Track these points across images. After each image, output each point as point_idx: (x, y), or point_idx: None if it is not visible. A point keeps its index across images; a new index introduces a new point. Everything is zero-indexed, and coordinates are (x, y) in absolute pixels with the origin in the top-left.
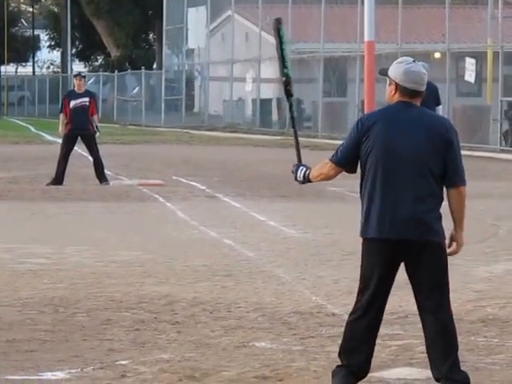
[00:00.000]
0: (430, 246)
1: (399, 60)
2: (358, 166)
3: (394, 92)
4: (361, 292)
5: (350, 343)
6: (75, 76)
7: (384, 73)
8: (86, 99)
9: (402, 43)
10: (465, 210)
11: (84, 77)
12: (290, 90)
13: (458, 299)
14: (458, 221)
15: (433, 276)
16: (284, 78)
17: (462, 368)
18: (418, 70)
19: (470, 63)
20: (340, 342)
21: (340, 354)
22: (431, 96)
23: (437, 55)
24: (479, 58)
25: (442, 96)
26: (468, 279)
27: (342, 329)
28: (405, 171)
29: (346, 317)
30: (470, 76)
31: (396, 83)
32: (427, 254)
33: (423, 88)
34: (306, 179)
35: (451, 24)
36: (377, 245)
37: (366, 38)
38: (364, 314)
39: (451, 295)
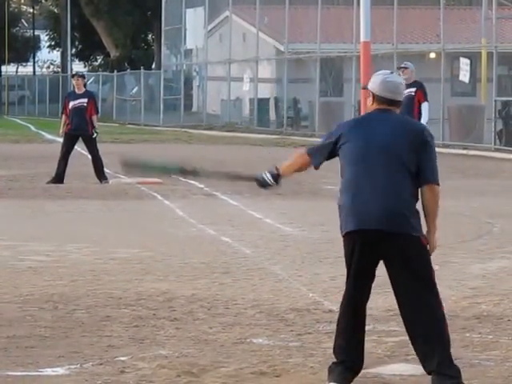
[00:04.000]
0: (405, 240)
1: (378, 72)
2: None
3: (371, 102)
4: (345, 287)
5: (339, 339)
6: (73, 76)
7: (364, 87)
8: (84, 100)
9: (398, 44)
10: (437, 210)
11: (82, 76)
12: None
13: (453, 296)
14: (429, 220)
15: (414, 270)
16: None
17: (455, 363)
18: (394, 80)
19: (464, 63)
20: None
21: (334, 351)
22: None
23: (432, 55)
24: (473, 58)
25: (437, 96)
26: (463, 276)
27: None
28: (380, 167)
29: None
30: (464, 76)
31: (373, 93)
32: (403, 247)
33: (400, 97)
34: (278, 179)
35: (446, 25)
36: (351, 237)
37: (361, 39)
38: (347, 310)
39: (446, 292)
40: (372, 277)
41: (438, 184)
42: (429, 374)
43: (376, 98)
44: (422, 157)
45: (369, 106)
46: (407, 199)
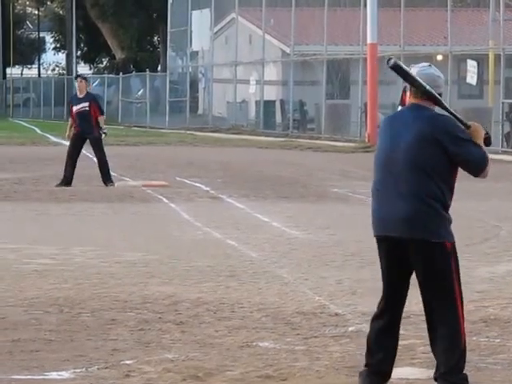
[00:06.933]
0: (424, 246)
1: (415, 65)
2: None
3: (409, 96)
4: (382, 291)
5: (369, 343)
6: (76, 77)
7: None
8: (86, 104)
9: (405, 45)
10: (485, 167)
11: (85, 78)
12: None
13: None
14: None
15: (432, 277)
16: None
17: (464, 372)
18: (430, 72)
19: (471, 65)
20: (343, 341)
21: (365, 354)
22: None
23: (439, 57)
24: (481, 60)
25: (444, 98)
26: (470, 280)
27: (345, 329)
28: (398, 169)
29: (349, 317)
30: (471, 78)
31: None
32: (423, 253)
33: (437, 91)
34: None
35: (453, 26)
36: (378, 242)
37: (368, 41)
38: (379, 313)
39: None
40: (403, 283)
41: (479, 173)
42: (435, 380)
43: (412, 91)
44: (455, 152)
45: (407, 100)
46: (428, 205)
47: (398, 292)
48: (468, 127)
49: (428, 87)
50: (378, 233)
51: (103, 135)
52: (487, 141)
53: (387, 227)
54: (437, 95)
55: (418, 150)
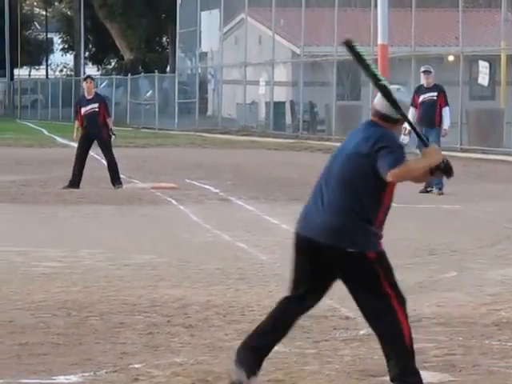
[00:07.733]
0: (343, 255)
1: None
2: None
3: (371, 113)
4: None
5: (260, 324)
6: (85, 79)
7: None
8: (96, 105)
9: (416, 46)
10: (418, 172)
11: (93, 79)
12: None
13: (472, 303)
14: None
15: (358, 285)
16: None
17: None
18: (398, 98)
19: (483, 66)
20: (353, 345)
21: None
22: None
23: (450, 58)
24: (493, 61)
25: (456, 99)
26: (482, 282)
27: (356, 332)
28: (331, 180)
29: (360, 320)
30: (483, 79)
31: (374, 103)
32: (341, 262)
33: (396, 116)
34: None
35: (464, 27)
36: (294, 238)
37: (379, 41)
38: (285, 299)
39: (465, 298)
40: (308, 283)
41: (389, 170)
42: (391, 381)
43: (373, 109)
44: (377, 158)
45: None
46: (350, 217)
47: (305, 293)
48: (426, 145)
49: (384, 81)
50: (298, 230)
51: (113, 137)
52: (445, 169)
53: (308, 228)
54: (393, 94)
55: (351, 164)
